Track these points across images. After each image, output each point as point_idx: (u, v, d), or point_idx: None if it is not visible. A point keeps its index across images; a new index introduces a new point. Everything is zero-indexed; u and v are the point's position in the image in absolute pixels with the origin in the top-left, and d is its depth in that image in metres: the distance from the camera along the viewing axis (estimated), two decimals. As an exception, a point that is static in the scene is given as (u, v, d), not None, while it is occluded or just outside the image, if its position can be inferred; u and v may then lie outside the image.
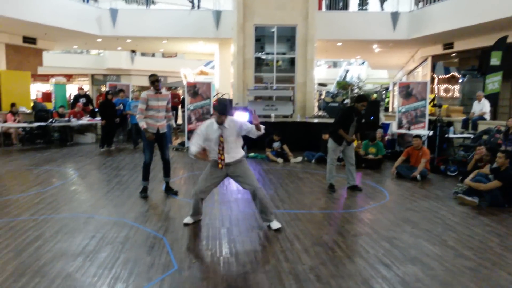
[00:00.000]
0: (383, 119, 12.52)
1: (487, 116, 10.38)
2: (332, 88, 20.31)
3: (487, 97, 10.97)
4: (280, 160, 9.23)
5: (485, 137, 8.49)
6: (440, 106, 9.55)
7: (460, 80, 16.69)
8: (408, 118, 10.57)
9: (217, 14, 15.89)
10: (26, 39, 16.30)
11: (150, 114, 5.76)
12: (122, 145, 11.69)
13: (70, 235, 4.24)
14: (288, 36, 14.48)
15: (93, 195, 6.00)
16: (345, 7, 16.97)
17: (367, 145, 8.93)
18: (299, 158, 9.41)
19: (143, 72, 22.43)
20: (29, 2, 13.35)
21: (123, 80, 26.38)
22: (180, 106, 14.68)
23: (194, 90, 11.23)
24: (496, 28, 12.56)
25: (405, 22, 15.59)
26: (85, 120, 12.73)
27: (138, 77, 26.69)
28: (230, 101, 12.49)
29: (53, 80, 16.98)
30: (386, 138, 10.77)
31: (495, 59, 11.59)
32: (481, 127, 9.55)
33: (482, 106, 10.40)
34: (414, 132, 9.68)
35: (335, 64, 38.87)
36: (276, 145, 9.59)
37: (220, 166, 4.45)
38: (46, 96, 16.81)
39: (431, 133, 9.05)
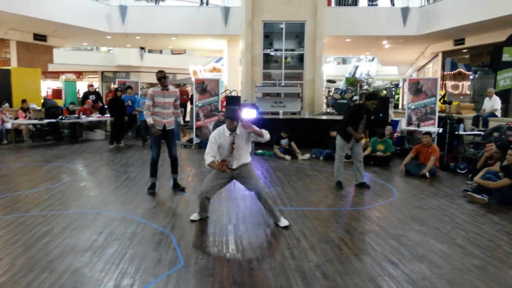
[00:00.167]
0: (392, 116, 12.43)
1: (498, 113, 10.25)
2: (341, 84, 20.20)
3: (498, 93, 10.83)
4: (288, 157, 9.22)
5: (495, 134, 8.37)
6: (450, 103, 9.42)
7: (471, 77, 16.49)
8: (417, 115, 10.47)
9: (226, 11, 15.89)
10: (37, 37, 16.47)
11: (157, 111, 5.79)
12: (131, 141, 11.75)
13: (78, 231, 4.28)
14: (296, 32, 14.43)
15: (101, 191, 6.05)
16: (355, 2, 16.86)
17: (375, 142, 8.87)
18: (307, 155, 9.39)
19: (152, 69, 22.50)
20: (40, -1, 13.48)
21: (133, 77, 26.52)
22: (189, 103, 14.74)
23: (203, 87, 11.25)
24: (508, 23, 12.37)
25: (416, 17, 15.45)
26: (95, 117, 12.84)
27: (147, 74, 26.81)
28: (238, 98, 12.47)
29: (63, 77, 17.12)
30: (395, 135, 10.69)
31: (507, 55, 11.44)
32: (492, 124, 9.42)
33: (493, 103, 10.26)
34: (424, 129, 9.59)
35: (344, 61, 38.69)
36: (284, 142, 9.58)
37: (227, 169, 4.41)
38: (56, 93, 16.97)
39: (440, 130, 8.96)
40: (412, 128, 10.45)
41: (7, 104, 11.96)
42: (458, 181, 7.17)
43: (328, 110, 14.91)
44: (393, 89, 25.84)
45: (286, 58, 14.67)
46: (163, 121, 5.83)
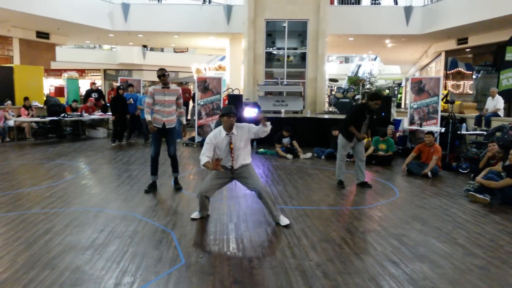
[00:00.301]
0: (394, 115, 12.41)
1: (501, 113, 10.21)
2: (343, 83, 20.18)
3: (501, 93, 10.79)
4: (289, 156, 9.21)
5: (498, 134, 8.35)
6: (452, 102, 9.40)
7: (474, 76, 16.44)
8: (420, 114, 10.45)
9: (228, 9, 15.88)
10: (39, 34, 16.50)
11: (157, 109, 5.80)
12: (133, 140, 11.76)
13: (80, 229, 4.29)
14: (299, 31, 14.42)
15: (103, 189, 6.06)
16: (357, 1, 16.83)
17: (377, 141, 8.85)
18: (309, 154, 9.38)
19: (155, 67, 22.55)
20: (42, -3, 13.50)
21: (135, 75, 26.56)
22: (191, 101, 14.74)
23: (205, 85, 11.24)
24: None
25: (419, 16, 15.41)
26: (97, 115, 12.85)
27: (149, 72, 26.84)
28: (241, 96, 12.45)
29: (65, 75, 17.15)
30: (397, 134, 10.67)
31: (510, 55, 11.38)
32: (495, 123, 9.40)
33: (496, 103, 10.23)
34: (426, 128, 9.57)
35: (346, 60, 38.62)
36: (285, 141, 9.57)
37: (221, 169, 4.41)
38: (59, 91, 16.99)
39: (443, 129, 8.94)
40: (414, 127, 10.43)
41: (9, 102, 12.00)
42: (460, 180, 7.15)
43: (330, 109, 14.91)
44: (396, 88, 25.79)
45: (288, 56, 14.66)
46: (163, 119, 5.83)
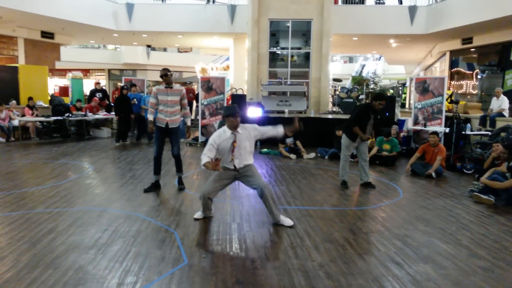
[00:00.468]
0: (398, 115, 12.37)
1: (506, 113, 10.15)
2: (347, 83, 20.13)
3: (506, 93, 10.73)
4: (293, 156, 9.20)
5: (503, 134, 8.30)
6: (457, 102, 9.36)
7: (479, 76, 16.36)
8: (424, 114, 10.40)
9: (232, 9, 15.88)
10: (44, 34, 16.58)
11: (161, 109, 5.82)
12: (143, 140, 11.75)
13: (83, 228, 4.30)
14: (303, 31, 14.40)
15: (107, 189, 6.07)
16: (362, 1, 16.78)
17: (381, 141, 8.83)
18: (312, 154, 9.36)
19: (159, 67, 22.61)
20: (47, -3, 13.56)
21: (139, 75, 26.62)
22: (194, 101, 14.75)
23: (208, 85, 11.25)
24: (517, 22, 12.26)
25: (423, 16, 15.35)
26: (101, 114, 12.89)
27: (153, 72, 26.89)
28: (244, 96, 12.43)
29: (70, 74, 17.21)
30: (402, 134, 10.63)
31: (515, 54, 11.33)
32: (499, 124, 9.34)
33: (501, 103, 10.17)
34: (430, 128, 9.53)
35: (351, 59, 38.54)
36: (289, 141, 9.56)
37: (221, 169, 4.39)
38: (64, 91, 17.06)
39: (447, 129, 8.89)
40: (418, 127, 10.39)
41: (14, 101, 12.06)
42: (465, 181, 7.12)
43: (334, 109, 14.87)
44: (400, 88, 25.71)
45: (292, 56, 14.64)
46: (166, 119, 5.84)
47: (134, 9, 16.31)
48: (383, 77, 24.21)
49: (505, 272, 3.45)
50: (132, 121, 11.55)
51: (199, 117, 11.55)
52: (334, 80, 17.79)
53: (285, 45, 14.55)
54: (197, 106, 14.75)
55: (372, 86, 19.32)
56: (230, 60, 19.94)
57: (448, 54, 17.93)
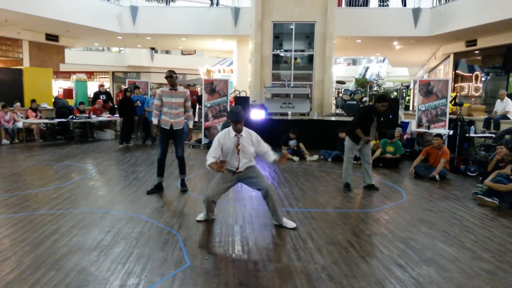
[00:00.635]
0: (402, 117, 12.34)
1: (510, 115, 10.09)
2: (351, 86, 20.12)
3: (510, 95, 10.68)
4: (296, 158, 9.19)
5: (507, 136, 8.25)
6: (461, 105, 9.32)
7: (483, 79, 16.29)
8: (428, 116, 10.37)
9: (236, 11, 15.92)
10: (49, 37, 16.68)
11: (165, 111, 5.83)
12: (148, 142, 11.77)
13: (86, 230, 4.31)
14: (306, 33, 14.41)
15: (110, 191, 6.09)
16: (365, 3, 16.77)
17: (385, 143, 8.80)
18: (315, 157, 9.35)
19: (163, 69, 22.66)
20: (52, 0, 13.63)
21: (143, 77, 26.74)
22: (197, 103, 14.77)
23: (211, 87, 11.26)
24: (522, 24, 12.22)
25: (427, 18, 15.33)
26: (105, 116, 12.93)
27: (157, 74, 26.99)
28: (247, 98, 12.44)
29: (74, 77, 17.31)
30: (405, 137, 10.60)
31: (519, 57, 11.27)
32: (504, 126, 9.30)
33: (505, 105, 10.12)
34: (434, 131, 9.50)
35: (354, 62, 38.52)
36: (292, 143, 9.55)
37: (225, 171, 4.41)
38: (68, 93, 17.15)
39: (451, 132, 8.86)
40: (422, 130, 10.36)
41: (18, 103, 12.12)
42: (468, 184, 7.08)
43: (337, 111, 14.86)
44: (404, 90, 25.67)
45: (295, 59, 14.65)
46: (171, 121, 5.84)
47: (138, 12, 16.38)
48: (386, 79, 24.20)
49: (509, 275, 3.43)
50: (135, 123, 11.57)
51: (202, 120, 11.56)
52: (338, 82, 17.79)
53: (288, 47, 14.56)
54: (199, 109, 14.78)
55: (375, 88, 19.30)
56: (233, 62, 19.97)
57: (452, 57, 17.89)
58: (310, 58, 14.45)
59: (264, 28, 14.08)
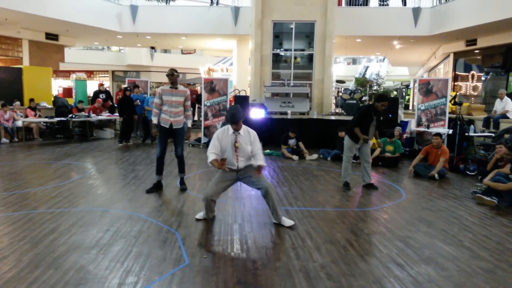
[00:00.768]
0: (402, 116, 12.34)
1: (510, 115, 10.09)
2: (350, 85, 20.12)
3: (510, 95, 10.68)
4: (295, 157, 9.19)
5: (506, 136, 8.26)
6: (460, 104, 9.32)
7: (483, 78, 16.30)
8: (427, 116, 10.38)
9: (236, 11, 15.91)
10: (49, 36, 16.67)
11: (165, 109, 5.83)
12: (140, 140, 11.81)
13: (85, 228, 4.31)
14: (306, 32, 14.40)
15: (109, 190, 6.09)
16: (365, 2, 16.76)
17: (385, 142, 8.81)
18: (315, 156, 9.35)
19: (163, 68, 22.69)
20: (51, -1, 13.64)
21: (143, 76, 26.74)
22: (196, 102, 14.76)
23: (211, 86, 11.26)
24: (521, 24, 12.21)
25: (427, 17, 15.32)
26: (104, 115, 12.92)
27: (157, 73, 26.98)
28: (247, 98, 12.44)
29: (74, 76, 17.31)
30: (405, 136, 10.61)
31: (519, 56, 11.27)
32: (503, 125, 9.30)
33: (505, 104, 10.13)
34: (433, 130, 9.50)
35: (354, 61, 38.50)
36: (291, 142, 9.55)
37: (227, 168, 4.43)
38: (67, 92, 17.15)
39: (450, 131, 8.86)
40: (421, 129, 10.36)
41: (18, 102, 12.11)
42: (468, 183, 7.08)
43: (337, 111, 14.87)
44: (404, 89, 25.66)
45: (295, 58, 14.64)
46: (170, 119, 5.84)
47: (138, 11, 16.37)
48: (386, 78, 24.18)
49: (507, 273, 3.43)
50: (135, 122, 11.58)
51: (201, 119, 11.56)
52: (337, 81, 17.80)
53: (288, 46, 14.55)
54: (199, 108, 14.78)
55: (375, 87, 19.29)
56: (233, 61, 19.97)
57: (452, 56, 17.88)
58: (310, 57, 14.44)
59: (264, 27, 14.07)
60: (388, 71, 28.37)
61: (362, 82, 18.75)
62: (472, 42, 15.79)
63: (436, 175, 7.29)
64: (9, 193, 5.71)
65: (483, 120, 10.26)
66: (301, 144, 9.53)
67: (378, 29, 15.67)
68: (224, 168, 4.31)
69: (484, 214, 5.19)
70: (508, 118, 9.88)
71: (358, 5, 16.48)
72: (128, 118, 11.07)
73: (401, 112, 12.72)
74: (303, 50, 14.67)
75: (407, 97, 24.49)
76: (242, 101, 11.33)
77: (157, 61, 27.79)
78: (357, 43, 18.04)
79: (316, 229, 4.44)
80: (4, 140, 11.07)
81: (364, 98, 14.42)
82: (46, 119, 11.74)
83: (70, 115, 12.03)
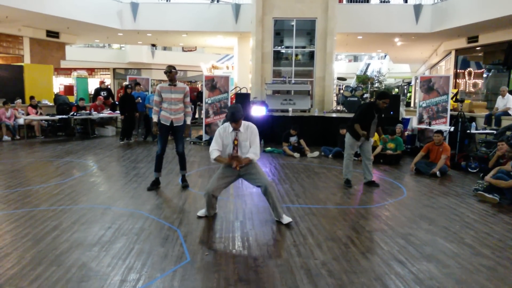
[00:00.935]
0: (403, 114, 12.32)
1: (511, 112, 10.08)
2: (352, 82, 20.09)
3: (511, 92, 10.65)
4: (296, 154, 9.19)
5: (508, 133, 8.25)
6: (462, 101, 9.30)
7: (484, 75, 16.25)
8: (429, 113, 10.36)
9: (237, 8, 15.89)
10: (49, 33, 16.67)
11: (165, 107, 5.83)
12: (141, 138, 11.81)
13: (87, 226, 4.32)
14: (307, 30, 14.39)
15: (111, 187, 6.10)
16: (367, -1, 16.75)
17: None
18: (316, 153, 9.35)
19: (164, 66, 22.68)
20: (52, -4, 13.63)
21: (144, 74, 26.72)
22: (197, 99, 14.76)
23: (212, 83, 11.25)
24: (523, 20, 12.16)
25: (428, 14, 15.28)
26: (106, 113, 12.92)
27: (158, 71, 26.97)
28: (248, 95, 12.42)
29: (75, 73, 17.30)
30: (406, 133, 10.59)
31: (521, 53, 11.23)
32: (505, 123, 9.29)
33: (506, 102, 10.10)
34: (435, 127, 9.49)
35: (355, 58, 38.44)
36: (293, 139, 9.55)
37: (237, 168, 4.43)
38: (69, 90, 17.14)
39: (452, 128, 8.85)
40: (423, 126, 10.35)
41: (19, 100, 12.12)
42: (469, 180, 7.08)
43: (338, 108, 14.86)
44: (405, 87, 25.62)
45: (296, 55, 14.63)
46: (171, 117, 5.84)
47: (139, 9, 16.35)
48: (388, 76, 24.15)
49: (509, 271, 3.43)
50: (136, 120, 11.58)
51: (203, 116, 11.56)
52: (339, 78, 17.78)
53: (289, 44, 14.53)
54: (199, 105, 14.78)
55: (376, 85, 19.26)
56: (234, 59, 19.95)
57: (453, 53, 17.83)
58: (311, 55, 14.43)
59: (265, 25, 14.06)
60: (390, 68, 28.32)
61: (364, 79, 18.72)
62: (473, 39, 15.75)
63: (437, 173, 7.28)
64: (11, 191, 5.73)
65: (485, 117, 10.24)
66: (302, 142, 9.52)
67: (379, 26, 15.64)
68: (229, 162, 4.36)
69: (485, 211, 5.19)
70: (510, 115, 9.86)
71: (359, 2, 16.44)
72: (130, 115, 11.08)
73: (402, 109, 12.69)
74: (304, 47, 14.66)
75: (408, 94, 24.43)
76: (243, 98, 11.32)
77: (158, 58, 27.77)
78: (358, 40, 18.01)
79: (317, 226, 4.44)
80: (5, 138, 11.09)
81: (365, 96, 14.40)
82: (48, 117, 11.75)
83: (72, 113, 12.03)
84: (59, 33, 17.08)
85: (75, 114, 12.02)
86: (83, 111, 12.35)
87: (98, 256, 3.56)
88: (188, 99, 5.99)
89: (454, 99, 11.34)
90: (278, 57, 14.66)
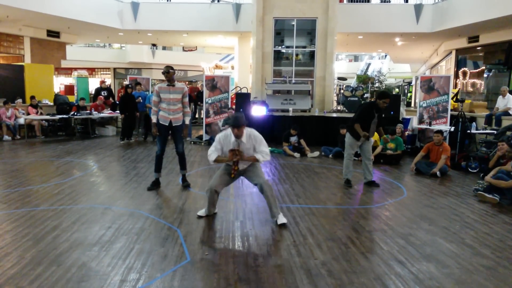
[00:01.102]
0: (403, 113, 12.31)
1: (512, 112, 10.08)
2: (352, 82, 20.09)
3: (512, 92, 10.65)
4: (297, 154, 9.19)
5: (508, 133, 8.25)
6: (462, 101, 9.29)
7: (485, 75, 16.25)
8: (429, 113, 10.35)
9: (237, 8, 15.89)
10: (50, 33, 16.68)
11: (163, 107, 5.83)
12: (141, 138, 11.82)
13: (87, 226, 4.33)
14: (308, 29, 14.38)
15: (111, 187, 6.10)
16: (367, -1, 16.75)
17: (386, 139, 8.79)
18: (316, 153, 9.35)
19: (164, 65, 22.67)
20: (53, -4, 13.64)
21: (144, 73, 26.72)
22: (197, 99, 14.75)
23: (213, 83, 11.25)
24: (524, 20, 12.16)
25: (429, 14, 15.27)
26: (106, 113, 12.93)
27: (158, 71, 26.90)
28: (249, 95, 12.42)
29: (75, 73, 17.32)
30: (406, 133, 10.59)
31: (522, 53, 11.22)
32: (505, 123, 9.28)
33: (507, 102, 10.09)
34: (435, 127, 9.49)
35: (356, 58, 38.43)
36: (293, 139, 9.55)
37: (232, 175, 4.53)
38: (69, 89, 17.16)
39: (452, 128, 8.85)
40: (423, 126, 10.34)
41: (20, 100, 12.13)
42: (469, 180, 7.08)
43: (339, 108, 14.86)
44: (406, 87, 25.61)
45: (297, 55, 14.63)
46: (169, 117, 5.84)
47: (140, 8, 16.36)
48: (388, 75, 24.12)
49: (509, 271, 3.43)
50: (137, 120, 11.58)
51: (203, 116, 11.56)
52: (339, 78, 17.78)
53: (289, 43, 14.53)
54: (199, 105, 14.78)
55: (377, 84, 19.26)
56: (235, 58, 19.96)
57: (454, 53, 17.82)
58: (312, 55, 14.42)
59: (265, 25, 14.06)
60: (390, 68, 28.30)
61: (364, 79, 18.71)
62: (474, 39, 15.74)
63: (437, 173, 7.28)
64: (12, 191, 5.73)
65: (485, 117, 10.23)
66: (302, 142, 9.52)
67: (380, 26, 15.64)
68: (229, 160, 4.40)
69: (485, 211, 5.19)
70: (510, 115, 9.85)
71: (359, 1, 16.44)
72: (130, 115, 11.08)
73: (403, 109, 12.68)
74: (304, 47, 14.65)
75: (409, 94, 24.42)
76: (243, 98, 11.33)
77: (159, 58, 27.78)
78: (359, 40, 18.00)
79: (317, 226, 4.44)
80: (6, 137, 11.10)
81: (365, 96, 14.39)
82: (48, 117, 11.76)
83: (72, 113, 12.04)
84: (59, 32, 17.10)
85: (75, 114, 12.02)
86: (84, 111, 12.35)
87: (98, 256, 3.57)
88: (186, 99, 5.98)
89: (454, 99, 11.34)
90: (278, 57, 14.66)
